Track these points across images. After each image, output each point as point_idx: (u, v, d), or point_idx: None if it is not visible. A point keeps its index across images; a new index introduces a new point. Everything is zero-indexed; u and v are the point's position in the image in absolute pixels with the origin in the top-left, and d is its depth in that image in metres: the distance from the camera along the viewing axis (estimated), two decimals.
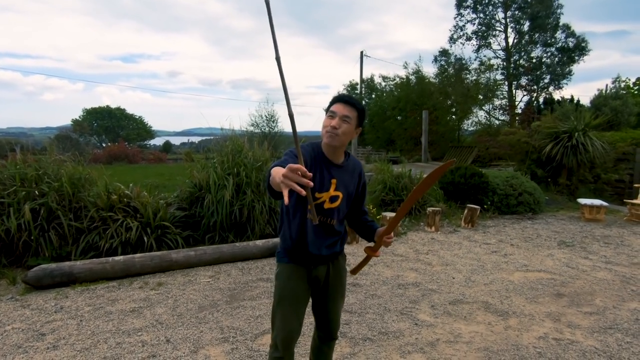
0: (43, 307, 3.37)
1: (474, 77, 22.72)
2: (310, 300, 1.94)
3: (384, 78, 27.15)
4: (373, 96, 29.11)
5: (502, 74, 23.95)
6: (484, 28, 24.20)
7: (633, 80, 25.48)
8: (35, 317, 3.19)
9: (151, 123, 50.31)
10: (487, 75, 23.10)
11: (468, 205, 6.76)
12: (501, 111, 23.35)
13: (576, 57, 22.66)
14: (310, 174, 1.28)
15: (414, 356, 2.70)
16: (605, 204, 7.35)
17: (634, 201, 7.38)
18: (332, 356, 2.13)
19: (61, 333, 2.94)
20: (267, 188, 1.58)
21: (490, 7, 23.97)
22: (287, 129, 18.39)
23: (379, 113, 24.77)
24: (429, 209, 6.37)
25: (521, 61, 24.09)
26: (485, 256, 5.02)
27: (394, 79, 25.99)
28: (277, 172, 1.36)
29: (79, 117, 44.45)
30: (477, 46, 24.52)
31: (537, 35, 23.19)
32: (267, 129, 19.29)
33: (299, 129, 1.41)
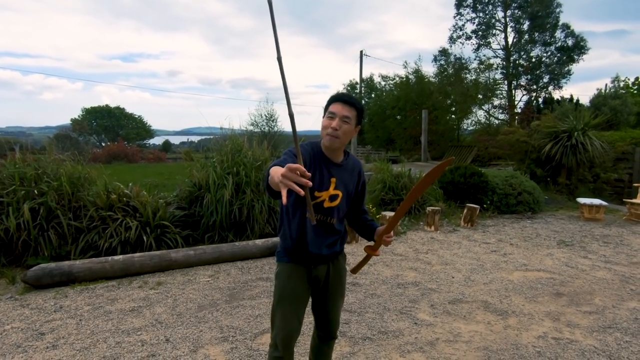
0: (42, 307, 3.36)
1: (474, 77, 22.74)
2: (310, 299, 1.94)
3: (384, 77, 27.17)
4: (373, 95, 29.12)
5: (501, 73, 23.95)
6: (483, 27, 24.19)
7: (632, 79, 25.56)
8: (34, 317, 3.18)
9: (150, 122, 50.45)
10: (487, 74, 23.12)
11: (467, 204, 6.76)
12: (501, 111, 23.38)
13: (575, 56, 22.67)
14: (309, 174, 1.28)
15: (414, 355, 2.70)
16: (604, 203, 7.36)
17: (633, 200, 7.39)
18: (331, 355, 2.13)
19: (60, 332, 2.94)
20: (266, 187, 1.57)
21: (490, 6, 23.96)
22: (287, 128, 18.38)
23: (379, 112, 24.79)
24: (429, 209, 6.37)
25: (520, 61, 24.09)
26: (485, 255, 5.02)
27: (394, 79, 26.01)
28: (276, 172, 1.36)
29: (78, 116, 44.47)
30: (476, 45, 24.54)
31: (536, 34, 23.19)
32: (266, 128, 19.27)
33: (298, 128, 1.41)
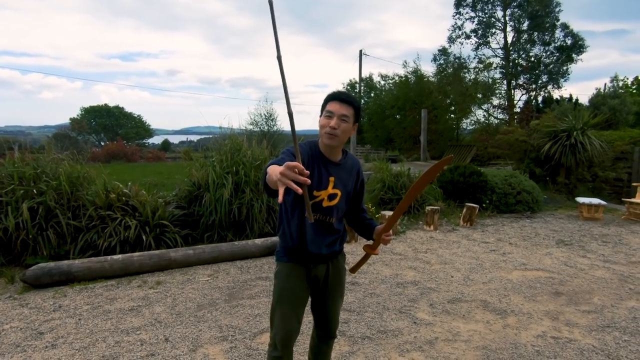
0: (41, 306, 3.36)
1: (473, 76, 22.75)
2: (309, 299, 1.94)
3: (383, 77, 27.18)
4: (372, 95, 29.13)
5: (500, 72, 23.97)
6: (483, 26, 24.20)
7: (631, 79, 25.59)
8: (33, 316, 3.18)
9: (150, 121, 50.43)
10: (486, 73, 23.14)
11: (467, 204, 6.77)
12: (500, 110, 23.39)
13: (574, 56, 22.69)
14: (308, 172, 1.28)
15: (413, 355, 2.70)
16: (603, 202, 7.37)
17: (632, 200, 7.40)
18: (331, 355, 2.13)
19: (60, 332, 2.94)
20: (264, 187, 1.58)
21: (490, 5, 23.97)
22: (286, 127, 18.37)
23: (378, 112, 24.80)
24: (428, 208, 6.37)
25: (520, 60, 24.10)
26: (484, 255, 5.03)
27: (393, 78, 26.02)
28: (274, 170, 1.36)
29: (77, 115, 44.38)
30: (476, 44, 24.55)
31: (536, 34, 23.20)
32: (266, 127, 19.25)
33: (297, 127, 1.41)
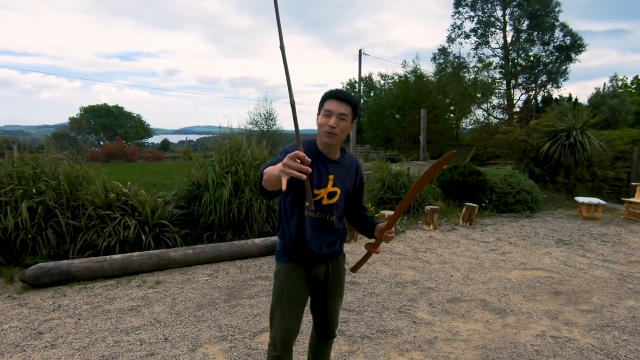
0: (41, 306, 3.36)
1: (472, 76, 22.76)
2: (309, 298, 1.94)
3: (383, 76, 27.18)
4: (372, 94, 29.14)
5: (500, 72, 23.97)
6: (482, 26, 24.19)
7: (631, 79, 25.62)
8: (33, 316, 3.18)
9: (149, 121, 50.40)
10: (485, 73, 23.14)
11: (466, 203, 6.77)
12: (499, 110, 23.41)
13: (573, 55, 22.70)
14: (309, 160, 1.30)
15: (412, 354, 2.70)
16: (602, 202, 7.38)
17: (632, 199, 7.41)
18: (330, 354, 2.13)
19: (59, 332, 2.93)
20: (260, 189, 1.58)
21: (489, 5, 23.96)
22: (286, 127, 18.38)
23: (378, 111, 24.81)
24: (427, 207, 6.38)
25: (519, 59, 24.11)
26: (483, 254, 5.03)
27: (393, 78, 26.02)
28: (275, 167, 1.37)
29: (77, 115, 44.30)
30: (475, 44, 24.54)
31: (535, 33, 23.20)
32: (265, 127, 19.26)
33: None
